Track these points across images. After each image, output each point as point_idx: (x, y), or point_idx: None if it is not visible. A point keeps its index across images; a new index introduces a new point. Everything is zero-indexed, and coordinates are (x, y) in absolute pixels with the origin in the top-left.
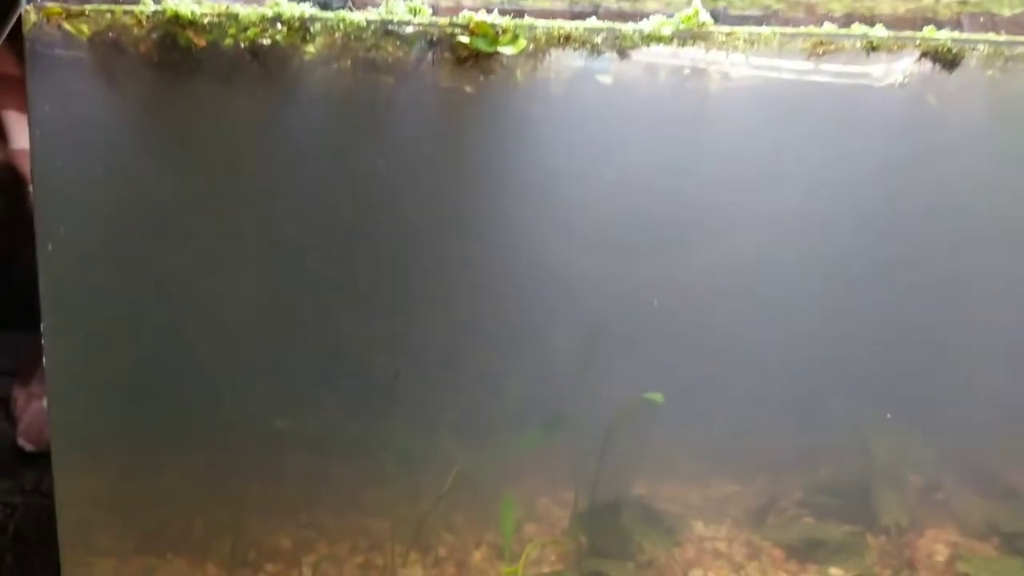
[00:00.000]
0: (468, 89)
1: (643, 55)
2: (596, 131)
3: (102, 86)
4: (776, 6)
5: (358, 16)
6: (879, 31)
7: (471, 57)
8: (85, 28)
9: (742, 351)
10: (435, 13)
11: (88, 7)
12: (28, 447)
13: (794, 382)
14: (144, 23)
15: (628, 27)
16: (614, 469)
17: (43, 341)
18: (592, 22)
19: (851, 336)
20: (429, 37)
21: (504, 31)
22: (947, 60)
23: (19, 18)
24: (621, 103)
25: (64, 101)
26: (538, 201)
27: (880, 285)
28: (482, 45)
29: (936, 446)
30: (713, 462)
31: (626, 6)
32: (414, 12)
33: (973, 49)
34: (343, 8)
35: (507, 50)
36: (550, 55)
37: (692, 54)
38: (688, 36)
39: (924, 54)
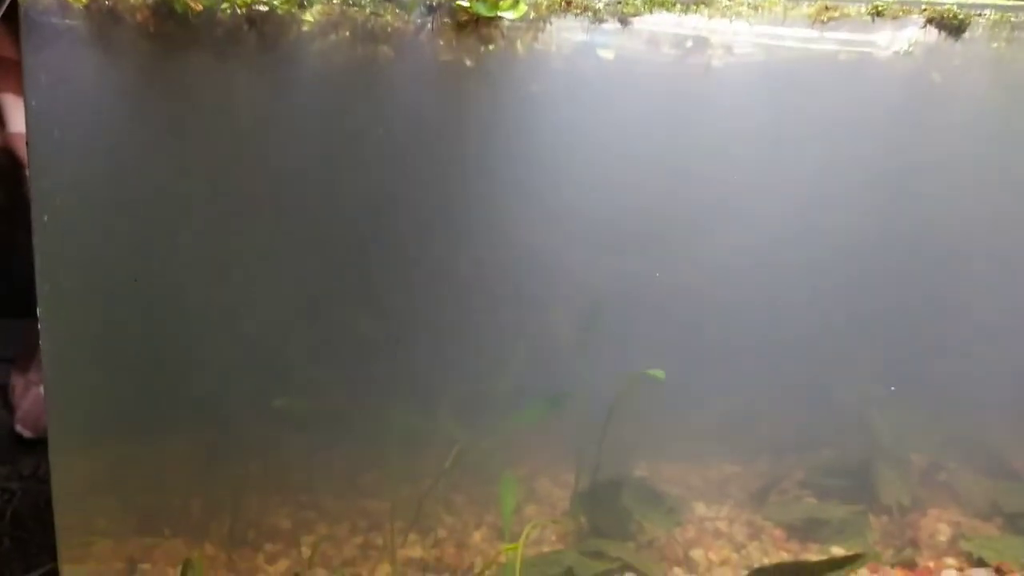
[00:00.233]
0: (468, 62)
1: (646, 23)
2: (597, 106)
3: (98, 55)
4: None
5: None
6: None
7: (471, 23)
8: None
9: (744, 331)
10: None
11: None
12: (26, 433)
13: (796, 362)
14: None
15: None
16: (615, 450)
17: (39, 327)
18: None
19: (854, 316)
20: (428, 2)
21: None
22: (953, 27)
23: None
24: (623, 78)
25: (60, 71)
26: (539, 178)
27: (883, 264)
28: (482, 9)
29: (939, 426)
30: (714, 443)
31: None
32: None
33: (979, 15)
34: None
35: (508, 15)
36: (551, 24)
37: (695, 23)
38: (691, 1)
39: (930, 20)
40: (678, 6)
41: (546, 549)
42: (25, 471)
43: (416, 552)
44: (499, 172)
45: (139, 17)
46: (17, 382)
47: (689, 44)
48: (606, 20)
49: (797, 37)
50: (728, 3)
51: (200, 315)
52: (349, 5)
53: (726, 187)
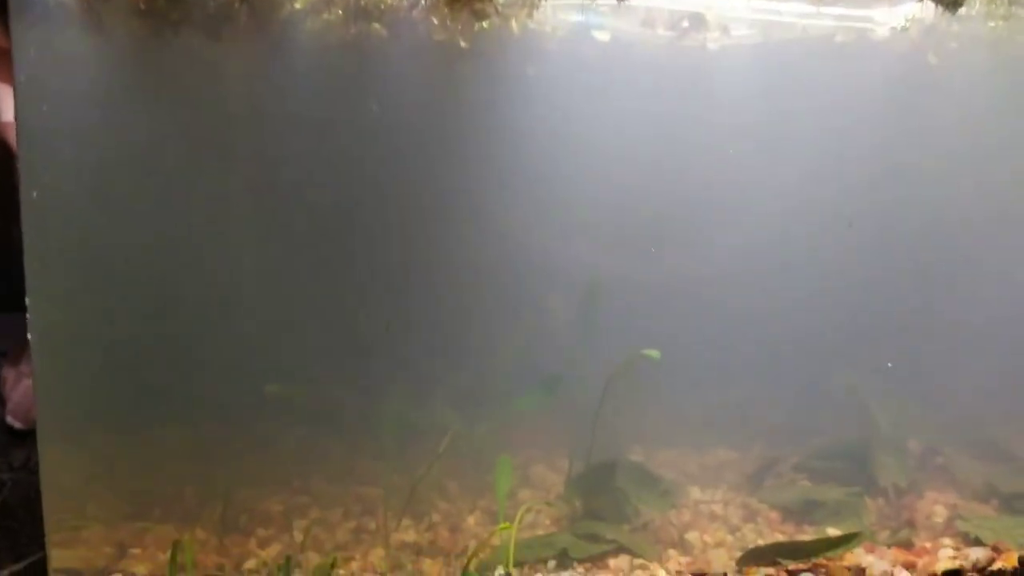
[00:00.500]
0: (463, 44)
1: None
2: (593, 88)
3: (89, 32)
4: None
5: None
6: None
7: None
8: None
9: (741, 317)
10: None
11: None
12: (17, 425)
13: (793, 348)
14: None
15: None
16: (610, 434)
17: (28, 317)
18: None
19: (851, 302)
20: None
21: None
22: (949, 2)
23: None
24: (618, 60)
25: (50, 47)
26: (534, 162)
27: (879, 252)
28: None
29: (935, 411)
30: (710, 429)
31: None
32: None
33: None
34: None
35: None
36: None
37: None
38: None
39: None
40: None
41: (540, 532)
42: (16, 462)
43: (410, 536)
44: (494, 156)
45: None
46: (8, 374)
47: (685, 24)
48: None
49: (795, 13)
50: None
51: (190, 303)
52: None
53: (723, 173)
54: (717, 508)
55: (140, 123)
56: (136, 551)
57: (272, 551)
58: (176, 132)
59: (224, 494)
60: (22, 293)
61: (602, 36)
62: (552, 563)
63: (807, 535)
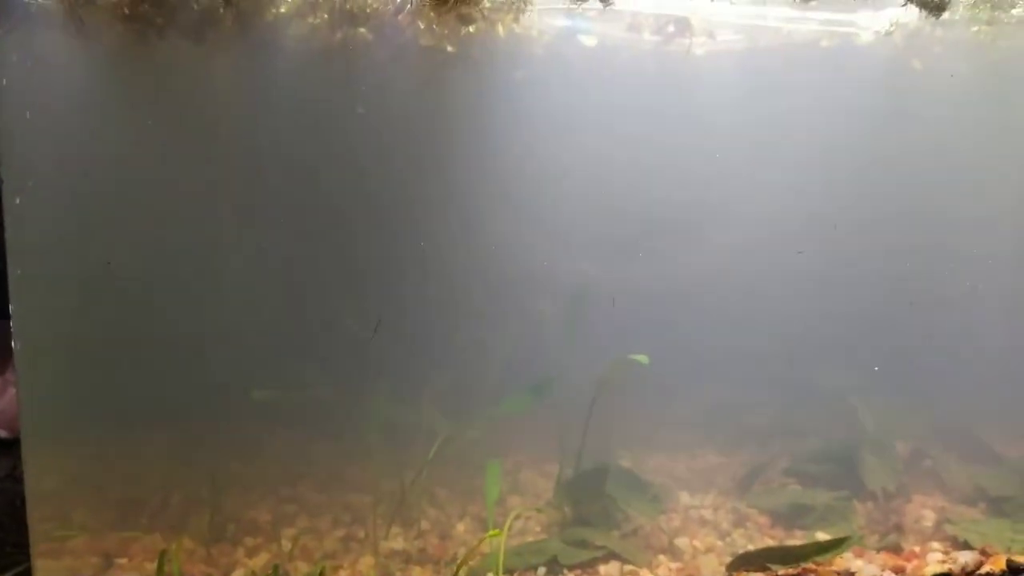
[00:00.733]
0: (449, 48)
1: (627, 3)
2: (579, 93)
3: (72, 35)
4: None
5: None
6: None
7: (450, 1)
8: None
9: (730, 323)
10: None
11: None
12: (3, 434)
13: (782, 352)
14: None
15: None
16: (599, 440)
17: (11, 324)
18: None
19: (839, 306)
20: None
21: None
22: (933, 5)
23: None
24: (604, 65)
25: (31, 51)
26: (521, 167)
27: (869, 254)
28: None
29: (923, 414)
30: (699, 434)
31: None
32: None
33: None
34: None
35: None
36: (531, 5)
37: (676, 2)
38: None
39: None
40: None
41: (530, 539)
42: (1, 472)
43: (399, 544)
44: (482, 160)
45: None
46: None
47: (671, 28)
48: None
49: (780, 17)
50: None
51: (175, 310)
52: None
53: (709, 176)
54: (707, 513)
55: (123, 128)
56: (123, 561)
57: (260, 560)
58: (160, 136)
59: (211, 503)
60: (4, 300)
61: (589, 40)
62: (542, 570)
63: (796, 540)
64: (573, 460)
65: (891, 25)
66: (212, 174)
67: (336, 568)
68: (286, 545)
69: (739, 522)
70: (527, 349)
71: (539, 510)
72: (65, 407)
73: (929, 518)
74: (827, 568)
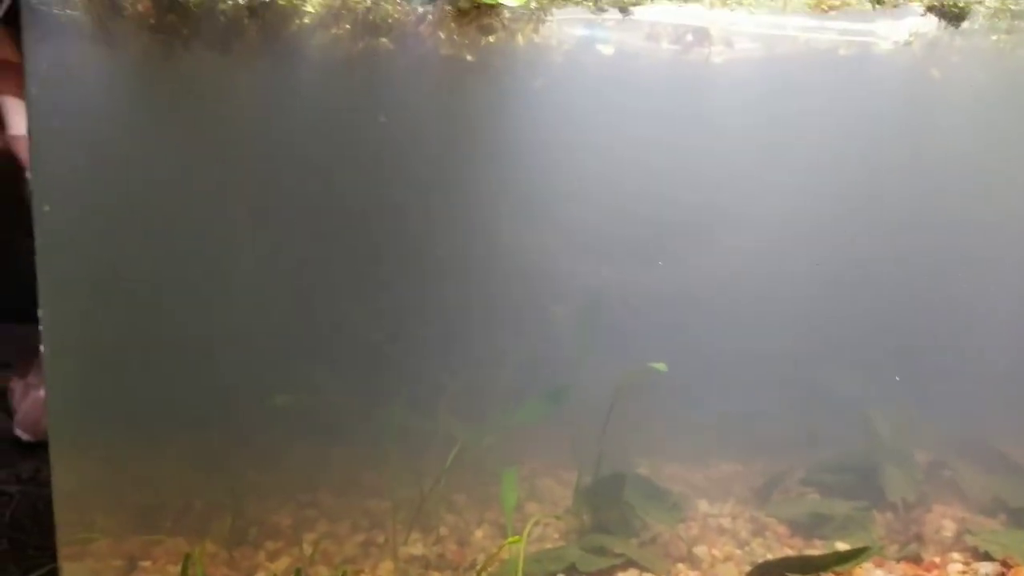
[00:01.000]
0: (469, 57)
1: (646, 14)
2: (597, 101)
3: (99, 46)
4: None
5: None
6: None
7: (472, 11)
8: None
9: (747, 329)
10: None
11: None
12: (25, 437)
13: (799, 361)
14: None
15: None
16: (617, 447)
17: (40, 329)
18: None
19: (857, 314)
20: None
21: None
22: (952, 15)
23: (16, 1)
24: (622, 73)
25: (61, 62)
26: (540, 173)
27: (884, 262)
28: None
29: (943, 424)
30: (716, 443)
31: None
32: None
33: (979, 2)
34: None
35: (509, 2)
36: (551, 16)
37: (695, 12)
38: None
39: (930, 8)
40: None
41: (549, 546)
42: (24, 474)
43: (418, 550)
44: (501, 168)
45: (140, 8)
46: (16, 386)
47: (689, 38)
48: (606, 10)
49: (798, 27)
50: None
51: (201, 315)
52: None
53: (726, 184)
54: (725, 522)
55: (151, 137)
56: (146, 564)
57: (282, 564)
58: (187, 145)
59: (233, 507)
60: (29, 304)
61: (607, 49)
62: None
63: (816, 549)
64: (591, 467)
65: (910, 36)
66: (236, 182)
67: (356, 572)
68: (307, 549)
69: (758, 531)
70: (544, 355)
71: (558, 517)
72: (92, 412)
73: (949, 528)
74: None
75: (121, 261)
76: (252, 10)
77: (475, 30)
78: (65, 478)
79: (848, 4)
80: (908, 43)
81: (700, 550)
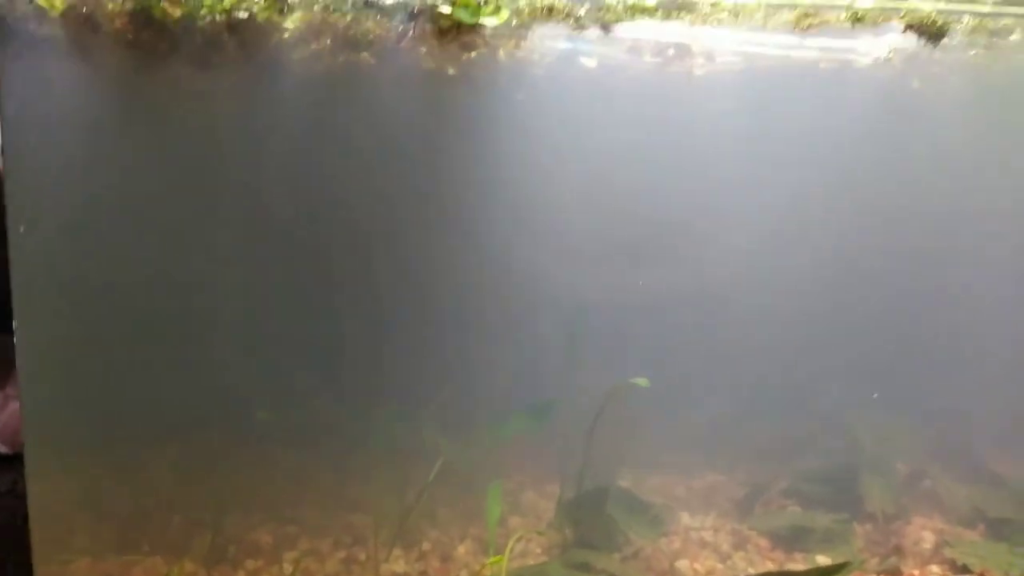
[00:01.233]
0: (451, 71)
1: (628, 31)
2: (580, 114)
3: (76, 63)
4: None
5: None
6: (864, 2)
7: (453, 29)
8: (57, 2)
9: (728, 343)
10: None
11: None
12: (3, 449)
13: (781, 373)
14: None
15: None
16: (599, 461)
17: (15, 340)
18: None
19: (836, 326)
20: (410, 9)
21: (486, 2)
22: (931, 33)
23: None
24: (605, 86)
25: (36, 78)
26: (522, 187)
27: (866, 275)
28: (464, 16)
29: (922, 434)
30: (698, 454)
31: None
32: None
33: (958, 21)
34: None
35: (490, 21)
36: (533, 32)
37: (676, 30)
38: (672, 7)
39: (909, 26)
40: (659, 12)
41: (531, 561)
42: (2, 487)
43: (400, 566)
44: (485, 181)
45: (117, 25)
46: None
47: (671, 52)
48: (588, 27)
49: (779, 44)
50: (709, 10)
51: (179, 330)
52: (330, 12)
53: (711, 196)
54: (707, 535)
55: (128, 153)
56: None
57: None
58: (164, 161)
59: (213, 524)
60: (5, 315)
61: (589, 62)
62: None
63: (797, 563)
64: (574, 481)
65: (889, 52)
66: (215, 196)
67: None
68: (287, 568)
69: (740, 544)
70: (528, 368)
71: (540, 533)
72: (67, 428)
73: (928, 540)
74: None
75: (96, 275)
76: (231, 27)
77: (457, 47)
78: (42, 497)
79: (827, 23)
80: (888, 59)
81: (682, 564)
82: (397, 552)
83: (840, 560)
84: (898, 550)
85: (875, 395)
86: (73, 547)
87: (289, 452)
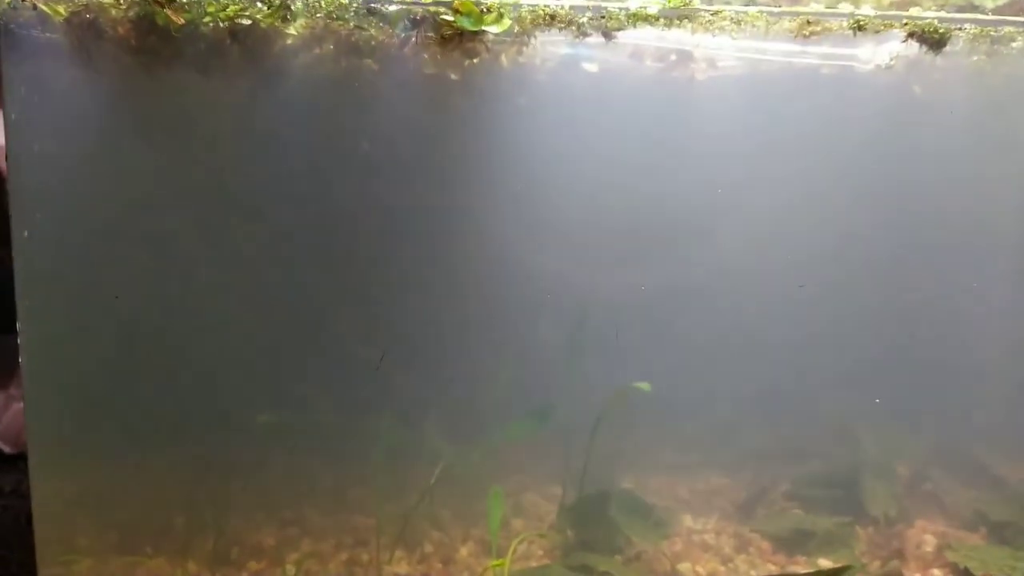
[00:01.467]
0: (453, 76)
1: (630, 37)
2: (581, 119)
3: (79, 68)
4: None
5: None
6: (866, 10)
7: (455, 37)
8: (61, 9)
9: (730, 345)
10: None
11: None
12: (6, 449)
13: (783, 376)
14: (121, 2)
15: (614, 6)
16: (601, 463)
17: (19, 341)
18: (578, 0)
19: (840, 329)
20: (413, 16)
21: (489, 9)
22: (933, 41)
23: None
24: (607, 91)
25: (40, 84)
26: (524, 191)
27: (868, 279)
28: (467, 24)
29: (924, 437)
30: (700, 456)
31: None
32: None
33: (959, 29)
34: None
35: (492, 29)
36: (535, 39)
37: (679, 37)
38: (674, 15)
39: (911, 35)
40: (661, 21)
41: (533, 564)
42: (6, 487)
43: (403, 568)
44: (487, 186)
45: (120, 31)
46: None
47: (673, 58)
48: (590, 34)
49: (781, 51)
50: (711, 18)
51: (182, 332)
52: (333, 19)
53: (710, 201)
54: (709, 538)
55: (132, 159)
56: None
57: None
58: (168, 167)
59: (216, 526)
60: (10, 315)
61: (591, 67)
62: None
63: (799, 566)
64: (576, 483)
65: (891, 59)
66: (220, 202)
67: None
68: (290, 570)
69: (741, 547)
70: (531, 373)
71: (542, 535)
72: (71, 428)
73: (930, 543)
74: None
75: (100, 276)
76: (234, 33)
77: (459, 54)
78: (46, 498)
79: (829, 30)
80: (890, 66)
81: (684, 567)
82: (399, 554)
83: (842, 563)
84: (900, 553)
85: (877, 400)
86: (76, 548)
87: (292, 454)
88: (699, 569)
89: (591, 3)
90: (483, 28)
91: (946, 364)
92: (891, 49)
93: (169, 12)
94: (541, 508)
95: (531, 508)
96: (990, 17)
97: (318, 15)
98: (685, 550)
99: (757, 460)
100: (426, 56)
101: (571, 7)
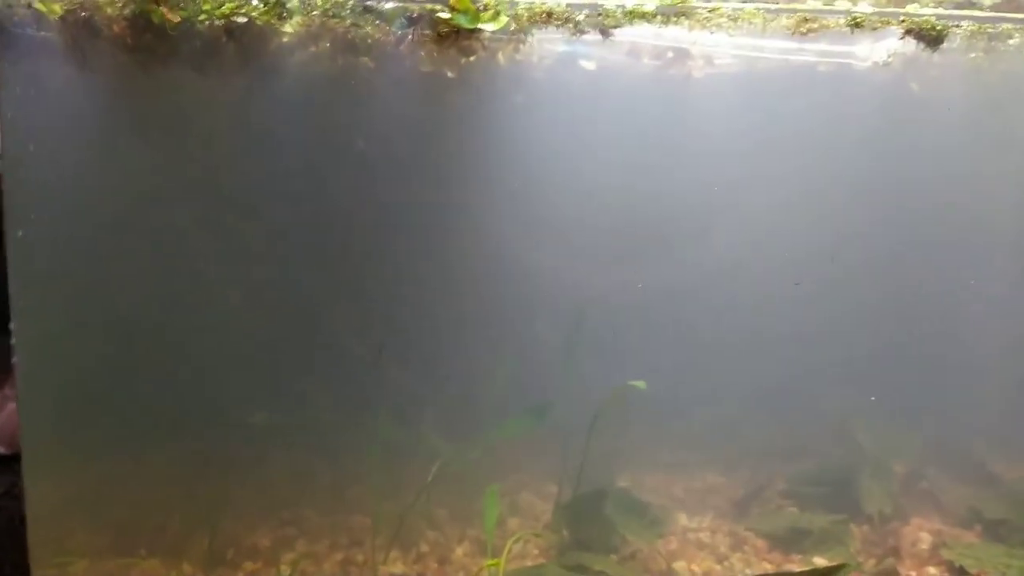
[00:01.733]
0: (450, 74)
1: (627, 35)
2: (579, 116)
3: (74, 67)
4: None
5: None
6: (863, 7)
7: (452, 35)
8: (56, 7)
9: (727, 343)
10: None
11: None
12: (1, 450)
13: (779, 374)
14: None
15: (611, 4)
16: (597, 462)
17: (13, 342)
18: None
19: (835, 327)
20: (409, 14)
21: (485, 7)
22: (931, 38)
23: None
24: (604, 89)
25: (35, 83)
26: (521, 189)
27: (864, 276)
28: (463, 21)
29: (920, 435)
30: (697, 454)
31: None
32: None
33: (956, 26)
34: None
35: (488, 27)
36: (532, 36)
37: (676, 34)
38: (671, 13)
39: (908, 31)
40: (658, 18)
41: (529, 563)
42: (0, 488)
43: (398, 568)
44: (483, 184)
45: (116, 29)
46: None
47: (670, 55)
48: (587, 31)
49: (778, 49)
50: (708, 15)
51: (177, 331)
52: (329, 17)
53: (707, 198)
54: (704, 536)
55: (126, 157)
56: None
57: None
58: (163, 165)
59: (211, 527)
60: (3, 315)
61: (589, 65)
62: None
63: (794, 564)
64: (572, 482)
65: (889, 56)
66: (216, 200)
67: None
68: (285, 570)
69: (737, 546)
70: (528, 372)
71: (537, 535)
72: (66, 429)
73: (925, 541)
74: None
75: (95, 276)
76: (230, 31)
77: (456, 51)
78: (40, 499)
79: (826, 27)
80: (887, 63)
81: (679, 566)
82: (395, 554)
83: (837, 561)
84: (895, 551)
85: (872, 398)
86: (71, 549)
87: (287, 453)
88: (694, 567)
89: (588, 0)
90: (479, 26)
91: (942, 362)
92: (888, 46)
93: (164, 10)
94: (537, 507)
95: (527, 507)
96: (987, 14)
97: (314, 13)
98: (680, 548)
99: (753, 458)
100: (422, 54)
101: (568, 4)
